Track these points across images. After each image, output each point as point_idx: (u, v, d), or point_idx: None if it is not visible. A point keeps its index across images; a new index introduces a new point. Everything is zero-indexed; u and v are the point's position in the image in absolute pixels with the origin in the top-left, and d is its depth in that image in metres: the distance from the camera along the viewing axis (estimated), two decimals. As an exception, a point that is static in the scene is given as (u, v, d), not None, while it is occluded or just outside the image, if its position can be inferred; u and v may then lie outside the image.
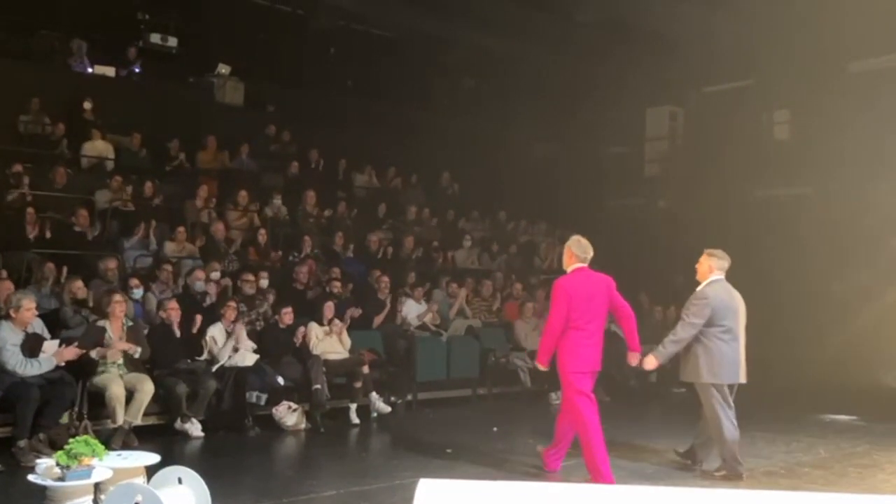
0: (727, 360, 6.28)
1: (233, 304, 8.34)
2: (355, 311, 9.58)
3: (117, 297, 7.46)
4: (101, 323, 7.34)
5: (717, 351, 6.26)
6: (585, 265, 6.20)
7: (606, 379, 10.50)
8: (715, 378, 6.27)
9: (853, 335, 10.00)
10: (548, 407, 10.28)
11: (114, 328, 7.36)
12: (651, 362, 6.41)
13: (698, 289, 6.46)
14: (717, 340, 6.27)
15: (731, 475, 6.20)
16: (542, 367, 6.28)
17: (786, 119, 13.92)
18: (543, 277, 12.94)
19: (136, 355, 7.38)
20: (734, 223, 12.55)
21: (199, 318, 8.09)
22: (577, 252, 6.19)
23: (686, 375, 6.46)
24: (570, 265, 6.21)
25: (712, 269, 6.48)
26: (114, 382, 7.09)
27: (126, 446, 6.61)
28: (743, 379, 6.40)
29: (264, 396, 7.97)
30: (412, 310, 10.43)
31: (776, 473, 6.54)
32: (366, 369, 8.83)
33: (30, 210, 9.38)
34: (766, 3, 11.51)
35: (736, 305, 6.43)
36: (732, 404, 6.33)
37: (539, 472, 6.49)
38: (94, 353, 7.14)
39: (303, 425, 8.10)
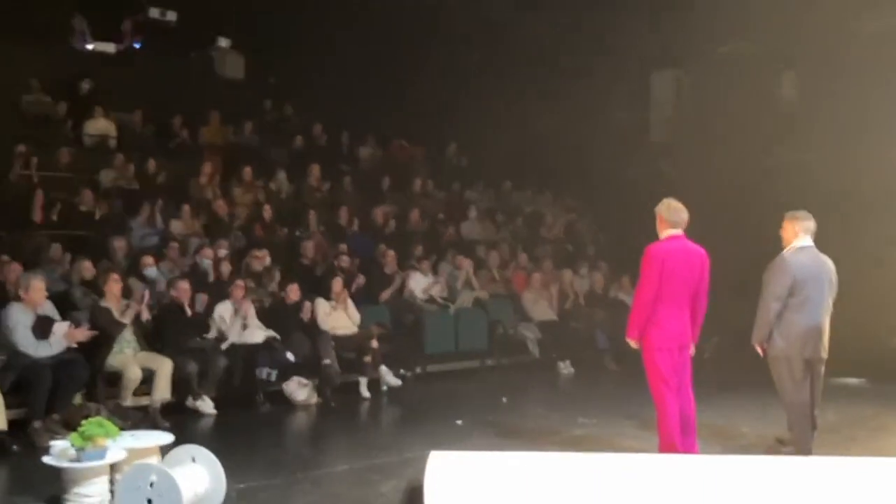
0: (800, 333, 5.82)
1: (241, 282, 8.35)
2: (360, 280, 9.58)
3: (114, 276, 7.51)
4: (103, 303, 7.38)
5: (790, 322, 5.82)
6: (680, 232, 5.64)
7: (616, 347, 10.57)
8: (782, 351, 5.86)
9: (862, 299, 9.97)
10: (556, 376, 10.34)
11: (114, 307, 7.40)
12: (759, 352, 6.00)
13: (780, 255, 5.99)
14: (791, 311, 5.82)
15: (799, 450, 5.86)
16: (633, 344, 5.67)
17: (793, 82, 13.74)
18: (550, 247, 12.94)
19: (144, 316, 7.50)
20: (741, 187, 12.47)
21: (204, 297, 8.06)
22: (668, 216, 5.63)
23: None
24: (662, 232, 5.67)
25: (797, 234, 5.96)
26: (131, 364, 7.15)
27: (156, 426, 6.66)
28: (823, 354, 5.92)
29: (274, 373, 8.01)
30: (419, 283, 10.43)
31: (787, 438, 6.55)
32: (375, 343, 8.86)
33: (38, 193, 9.37)
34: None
35: (822, 274, 5.92)
36: (811, 379, 5.91)
37: (545, 441, 6.51)
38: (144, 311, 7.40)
39: (313, 400, 8.15)
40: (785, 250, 6.06)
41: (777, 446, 6.21)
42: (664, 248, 5.62)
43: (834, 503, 4.37)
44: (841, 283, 6.16)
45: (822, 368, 6.09)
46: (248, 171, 11.45)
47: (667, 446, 5.60)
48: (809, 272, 5.92)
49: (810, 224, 6.05)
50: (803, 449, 5.92)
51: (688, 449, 5.62)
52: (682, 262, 5.59)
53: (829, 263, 6.07)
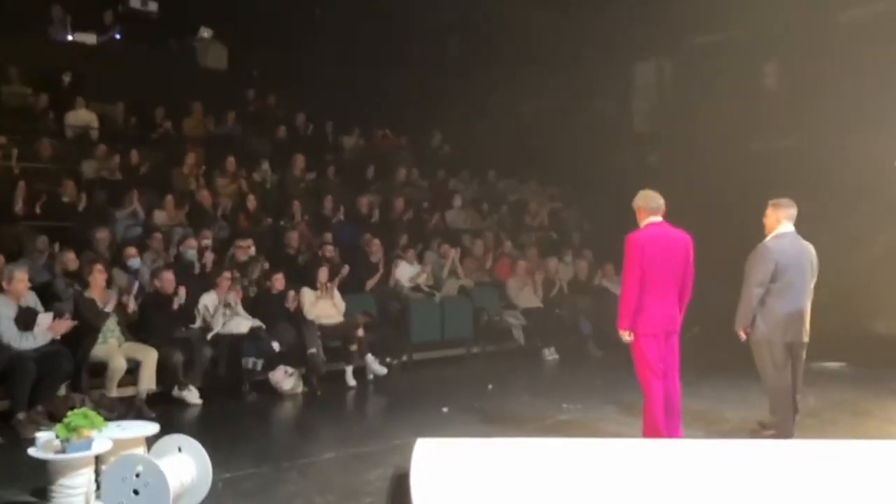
0: (782, 318, 5.93)
1: (227, 273, 8.33)
2: (345, 269, 9.58)
3: (99, 266, 7.49)
4: (87, 294, 7.35)
5: (772, 307, 5.94)
6: (660, 218, 5.72)
7: (600, 334, 10.64)
8: (765, 336, 5.97)
9: (844, 283, 10.07)
10: (541, 363, 10.39)
11: (98, 299, 7.38)
12: (741, 336, 6.09)
13: (762, 242, 6.10)
14: (773, 296, 5.93)
15: (781, 434, 5.96)
16: (625, 336, 5.65)
17: (775, 70, 13.82)
18: (534, 236, 12.99)
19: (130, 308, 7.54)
20: (724, 175, 12.55)
21: (182, 289, 7.94)
22: (645, 204, 5.72)
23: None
24: (642, 222, 5.74)
25: (780, 221, 6.08)
26: (116, 354, 7.15)
27: (141, 416, 6.63)
28: (804, 338, 6.04)
29: (260, 362, 8.01)
30: (405, 272, 10.45)
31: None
32: (360, 332, 8.87)
33: (21, 184, 9.30)
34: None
35: (803, 260, 6.03)
36: (792, 363, 6.02)
37: (531, 427, 6.55)
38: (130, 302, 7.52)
39: (300, 389, 8.16)
40: (769, 237, 6.14)
41: (759, 430, 6.29)
42: (643, 235, 5.66)
43: (815, 486, 4.43)
44: (822, 269, 6.25)
45: (804, 353, 6.18)
46: (231, 162, 11.40)
47: (651, 431, 5.66)
48: (791, 258, 6.01)
49: (793, 211, 6.15)
50: (785, 432, 6.00)
51: (671, 433, 5.68)
52: (662, 247, 5.62)
53: (811, 249, 6.16)
